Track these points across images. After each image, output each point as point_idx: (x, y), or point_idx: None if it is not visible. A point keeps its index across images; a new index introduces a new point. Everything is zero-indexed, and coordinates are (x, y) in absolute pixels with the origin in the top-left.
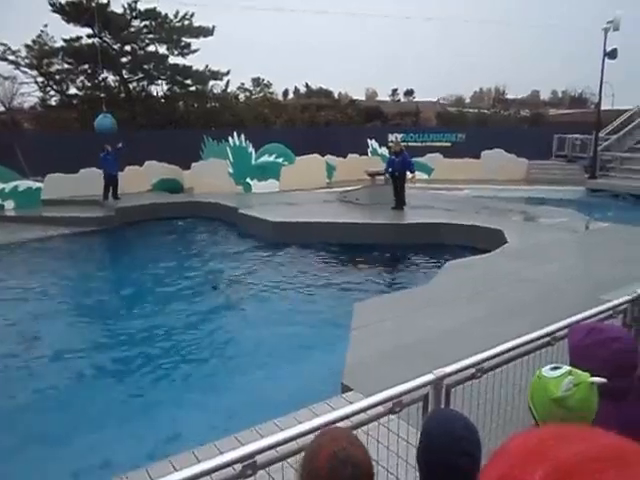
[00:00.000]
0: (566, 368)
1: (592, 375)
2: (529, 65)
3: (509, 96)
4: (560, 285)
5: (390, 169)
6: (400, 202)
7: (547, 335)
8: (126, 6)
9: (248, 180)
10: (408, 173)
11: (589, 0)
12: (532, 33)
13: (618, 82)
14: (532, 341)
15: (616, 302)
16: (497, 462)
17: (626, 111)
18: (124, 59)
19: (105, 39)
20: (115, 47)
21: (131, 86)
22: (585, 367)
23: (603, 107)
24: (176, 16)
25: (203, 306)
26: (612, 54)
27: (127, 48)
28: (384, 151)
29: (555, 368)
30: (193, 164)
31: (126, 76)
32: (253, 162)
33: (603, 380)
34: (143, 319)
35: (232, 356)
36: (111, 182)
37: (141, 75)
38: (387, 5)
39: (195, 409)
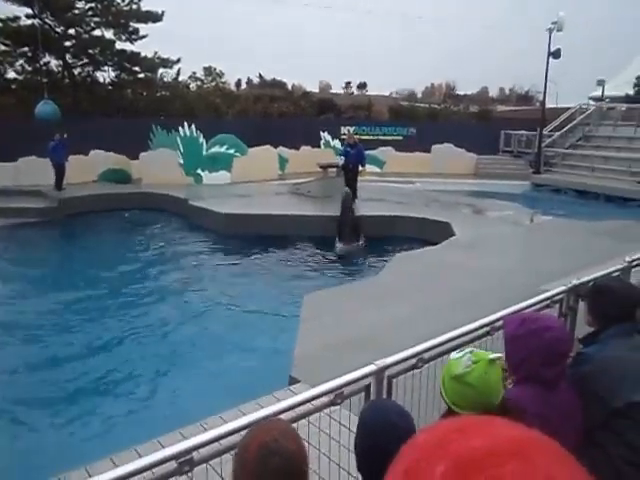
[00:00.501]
0: (468, 349)
1: (524, 363)
2: (479, 62)
3: (459, 92)
4: (504, 276)
5: (343, 160)
6: (353, 194)
7: (486, 325)
8: None
9: (199, 171)
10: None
11: (538, 2)
12: (483, 31)
13: (562, 81)
14: (472, 331)
15: (553, 292)
16: (405, 456)
17: (568, 109)
18: (68, 43)
19: (47, 20)
20: (58, 30)
21: (75, 71)
22: (519, 356)
23: (548, 105)
24: (123, 0)
25: (147, 299)
26: (556, 54)
27: (71, 31)
28: (337, 143)
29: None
30: (142, 154)
31: (70, 61)
32: (204, 153)
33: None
34: (80, 313)
35: (178, 350)
36: (60, 172)
37: (86, 60)
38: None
39: (142, 404)
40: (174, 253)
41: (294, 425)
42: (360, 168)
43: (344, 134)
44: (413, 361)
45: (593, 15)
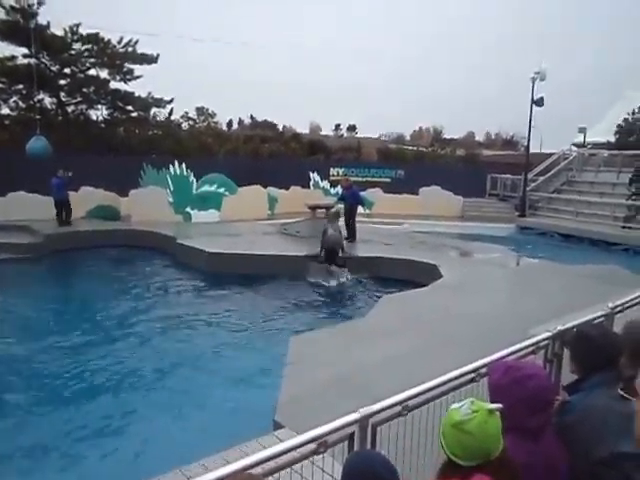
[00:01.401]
0: (469, 399)
1: (509, 413)
2: (465, 107)
3: (446, 136)
4: (490, 320)
5: (342, 204)
6: (352, 234)
7: (472, 371)
8: (67, 29)
9: (188, 209)
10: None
11: (523, 52)
12: (469, 77)
13: (547, 128)
14: (457, 377)
15: (538, 338)
16: None
17: (552, 154)
18: (62, 81)
19: (43, 60)
20: (53, 69)
21: (69, 109)
22: (504, 405)
23: (532, 150)
24: (120, 42)
25: (127, 340)
26: (539, 102)
27: (66, 70)
28: (326, 184)
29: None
30: (131, 191)
31: (64, 99)
32: (194, 191)
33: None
34: (63, 349)
35: (158, 392)
36: (62, 206)
37: (80, 98)
38: (337, 42)
39: (119, 449)
40: (159, 292)
41: (277, 474)
42: (360, 209)
43: (333, 175)
44: (398, 409)
45: (575, 65)
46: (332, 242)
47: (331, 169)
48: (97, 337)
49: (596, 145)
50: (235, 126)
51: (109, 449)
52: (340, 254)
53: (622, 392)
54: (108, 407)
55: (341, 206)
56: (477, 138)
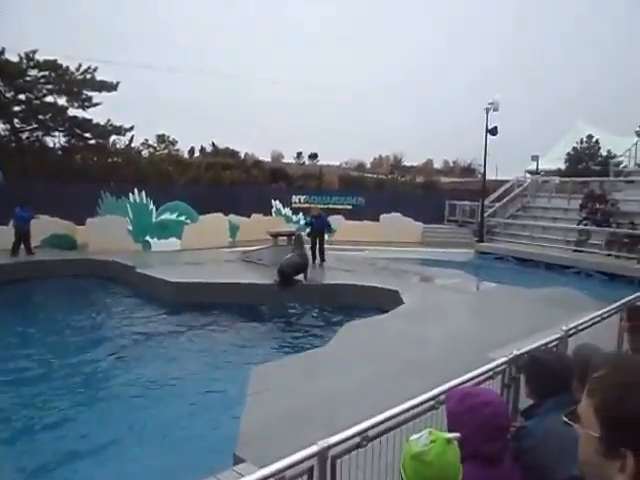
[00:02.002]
0: (428, 430)
1: (466, 440)
2: (424, 136)
3: (406, 163)
4: (451, 345)
5: (309, 230)
6: (322, 258)
7: (431, 399)
8: (23, 55)
9: (148, 238)
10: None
11: (475, 82)
12: (427, 107)
13: (501, 156)
14: (417, 406)
15: (495, 363)
16: None
17: (507, 181)
18: (17, 108)
19: None
20: (8, 95)
21: (23, 136)
22: (461, 433)
23: (488, 177)
24: (78, 69)
25: (88, 374)
26: (493, 131)
27: (21, 97)
28: (288, 212)
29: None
30: (88, 220)
31: (18, 125)
32: (154, 219)
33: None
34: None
35: (111, 430)
36: (24, 237)
37: (35, 125)
38: (297, 73)
39: None
40: (116, 323)
41: None
42: (326, 236)
43: (295, 202)
44: (357, 439)
45: (529, 96)
46: (285, 265)
47: (293, 196)
48: (46, 369)
49: (548, 172)
50: (197, 154)
51: None
52: (303, 279)
53: (565, 418)
54: (54, 446)
55: (307, 230)
56: (436, 166)
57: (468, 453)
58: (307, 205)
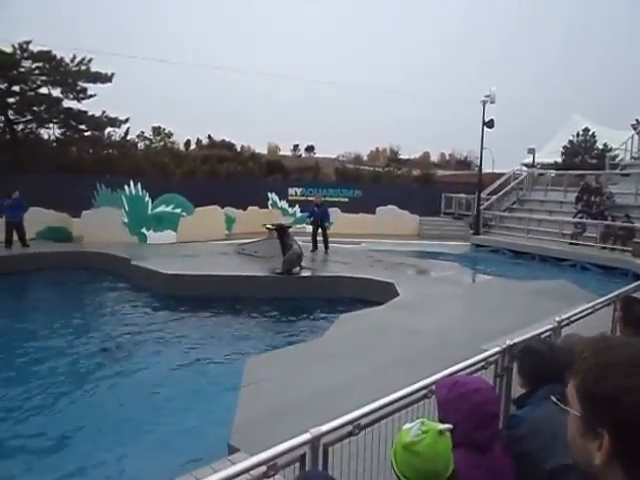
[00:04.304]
0: (420, 420)
1: (457, 428)
2: (421, 129)
3: (402, 156)
4: (445, 336)
5: (311, 218)
6: (326, 247)
7: (423, 388)
8: (17, 46)
9: (143, 230)
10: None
11: (474, 76)
12: (424, 100)
13: (498, 149)
14: (409, 395)
15: (488, 353)
16: None
17: (504, 174)
18: (11, 99)
19: None
20: (1, 86)
21: (18, 127)
22: (451, 421)
23: (484, 170)
24: (73, 60)
25: (83, 367)
26: (490, 124)
27: (15, 88)
28: (284, 204)
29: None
30: (84, 212)
31: (12, 117)
32: (149, 212)
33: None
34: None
35: (108, 420)
36: (16, 229)
37: (30, 117)
38: (294, 68)
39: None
40: (111, 316)
41: None
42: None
43: (291, 195)
44: (349, 428)
45: (526, 90)
46: (295, 254)
47: (289, 189)
48: (44, 359)
49: (544, 165)
50: (193, 146)
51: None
52: (299, 270)
53: (554, 398)
54: (54, 432)
55: (309, 220)
56: (432, 159)
57: (459, 440)
58: (303, 198)
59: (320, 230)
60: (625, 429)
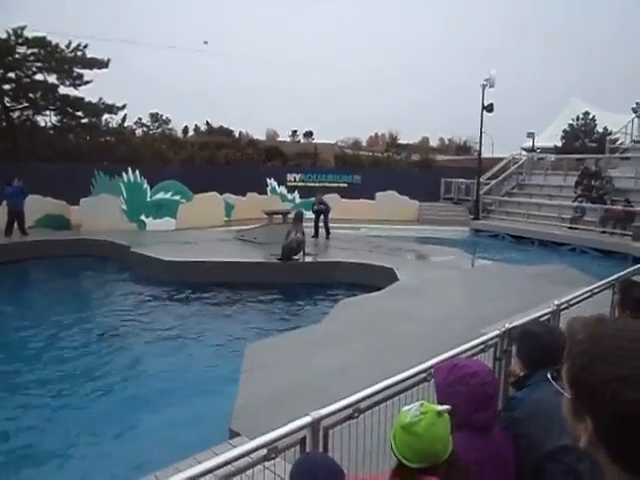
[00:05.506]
0: (420, 402)
1: (455, 411)
2: (420, 114)
3: (401, 141)
4: (445, 321)
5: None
6: (327, 231)
7: (423, 371)
8: (11, 32)
9: (142, 217)
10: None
11: (472, 59)
12: (423, 85)
13: (497, 133)
14: (408, 378)
15: (487, 337)
16: None
17: (503, 159)
18: (7, 86)
19: None
20: None
21: (14, 115)
22: (450, 404)
23: (484, 155)
24: (68, 46)
25: (85, 353)
26: (489, 108)
27: (11, 75)
28: (283, 190)
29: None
30: (82, 200)
31: (8, 104)
32: (148, 199)
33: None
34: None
35: (110, 406)
36: (17, 216)
37: (26, 104)
38: (293, 50)
39: (76, 461)
40: (111, 302)
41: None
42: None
43: (290, 181)
44: (349, 411)
45: (525, 73)
46: (295, 242)
47: (288, 175)
48: (49, 346)
49: (544, 149)
50: (191, 132)
51: (59, 461)
52: (301, 256)
53: (549, 376)
54: (58, 417)
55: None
56: (431, 144)
57: (459, 423)
58: (302, 184)
59: (322, 217)
60: (605, 418)
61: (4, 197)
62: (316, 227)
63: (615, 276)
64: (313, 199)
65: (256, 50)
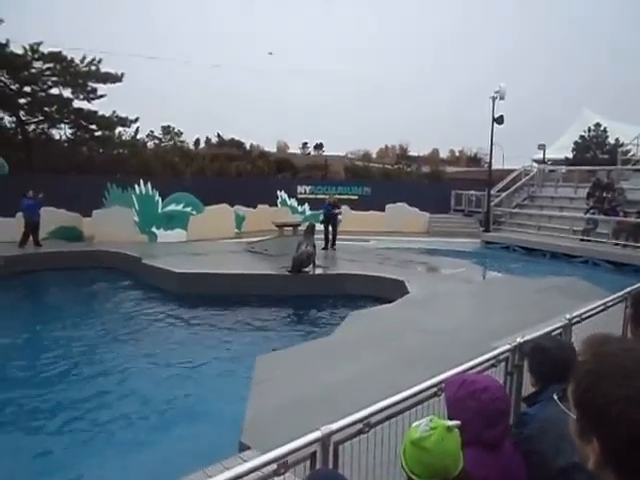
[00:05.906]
0: (429, 417)
1: (466, 427)
2: (430, 126)
3: (412, 153)
4: (455, 334)
5: (323, 217)
6: (333, 242)
7: (434, 386)
8: (27, 47)
9: (154, 229)
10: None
11: (484, 72)
12: (433, 97)
13: (508, 145)
14: (419, 393)
15: (498, 351)
16: None
17: (514, 171)
18: (22, 100)
19: (1, 78)
20: (13, 87)
21: (29, 128)
22: (461, 419)
23: (494, 167)
24: (82, 61)
25: (96, 365)
26: (499, 120)
27: (26, 89)
28: (293, 202)
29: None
30: (95, 211)
31: (24, 118)
32: (159, 211)
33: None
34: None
35: (121, 419)
36: (32, 228)
37: (41, 117)
38: (304, 63)
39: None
40: (122, 314)
41: None
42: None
43: (301, 193)
44: (360, 426)
45: (536, 85)
46: (306, 254)
47: (298, 187)
48: (62, 360)
49: (555, 161)
50: (202, 145)
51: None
52: (311, 268)
53: (556, 397)
54: (67, 428)
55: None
56: (441, 155)
57: (469, 439)
58: (312, 196)
59: (331, 228)
60: (612, 439)
61: (21, 209)
62: (326, 238)
63: (628, 289)
64: (325, 200)
65: (268, 63)
